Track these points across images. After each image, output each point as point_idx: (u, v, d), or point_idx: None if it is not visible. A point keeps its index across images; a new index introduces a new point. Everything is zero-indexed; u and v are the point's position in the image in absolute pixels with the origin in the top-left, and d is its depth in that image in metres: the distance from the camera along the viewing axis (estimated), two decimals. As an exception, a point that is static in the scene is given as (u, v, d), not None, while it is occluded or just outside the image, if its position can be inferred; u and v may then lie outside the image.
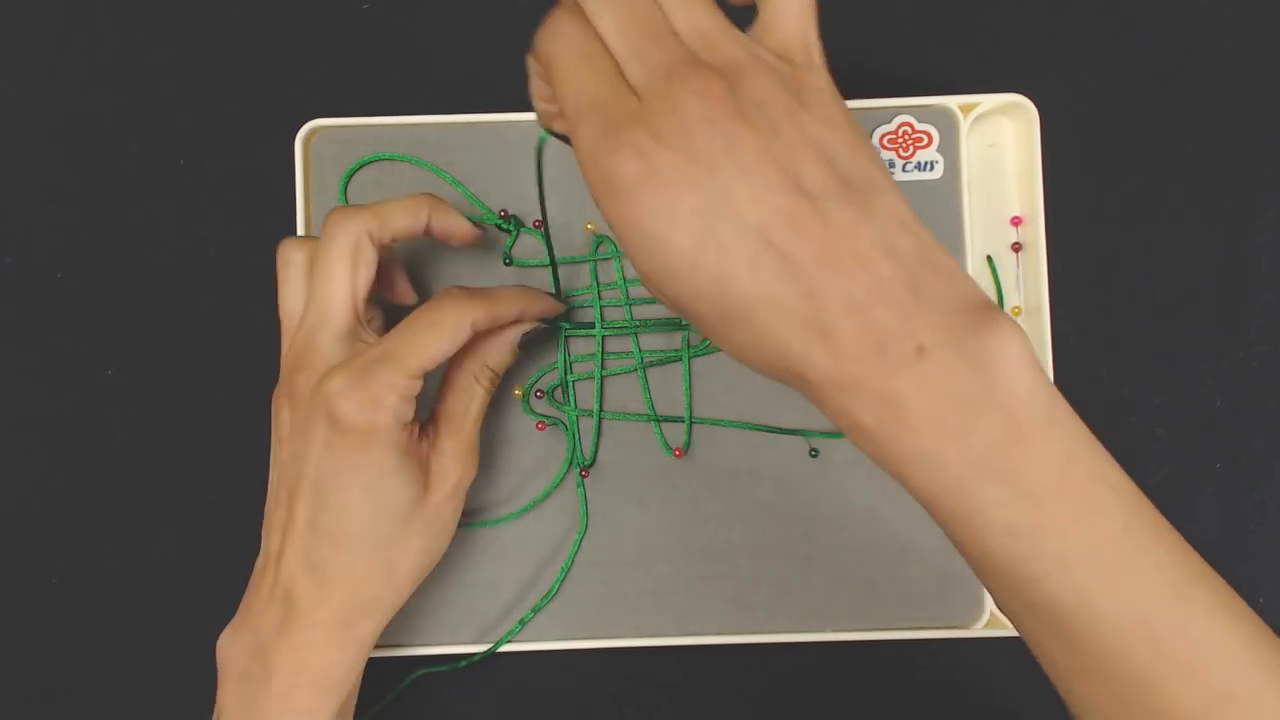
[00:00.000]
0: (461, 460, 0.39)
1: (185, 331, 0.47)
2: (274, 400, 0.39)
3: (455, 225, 0.41)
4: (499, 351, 0.40)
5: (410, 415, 0.37)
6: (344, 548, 0.36)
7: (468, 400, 0.39)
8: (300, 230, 0.44)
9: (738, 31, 0.30)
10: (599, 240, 0.44)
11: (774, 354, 0.28)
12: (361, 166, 0.44)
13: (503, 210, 0.44)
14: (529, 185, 0.45)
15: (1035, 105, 0.44)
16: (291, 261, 0.39)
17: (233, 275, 0.47)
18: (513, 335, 0.40)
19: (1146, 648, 0.28)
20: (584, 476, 0.44)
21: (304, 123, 0.44)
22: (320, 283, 0.38)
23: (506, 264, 0.45)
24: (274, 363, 0.39)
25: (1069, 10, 0.48)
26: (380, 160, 0.44)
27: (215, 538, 0.46)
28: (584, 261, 0.44)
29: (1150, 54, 0.48)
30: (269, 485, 0.39)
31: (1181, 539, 0.29)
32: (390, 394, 0.35)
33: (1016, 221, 0.46)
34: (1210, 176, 0.48)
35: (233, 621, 0.38)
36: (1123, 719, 0.29)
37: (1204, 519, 0.47)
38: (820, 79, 0.30)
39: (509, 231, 0.44)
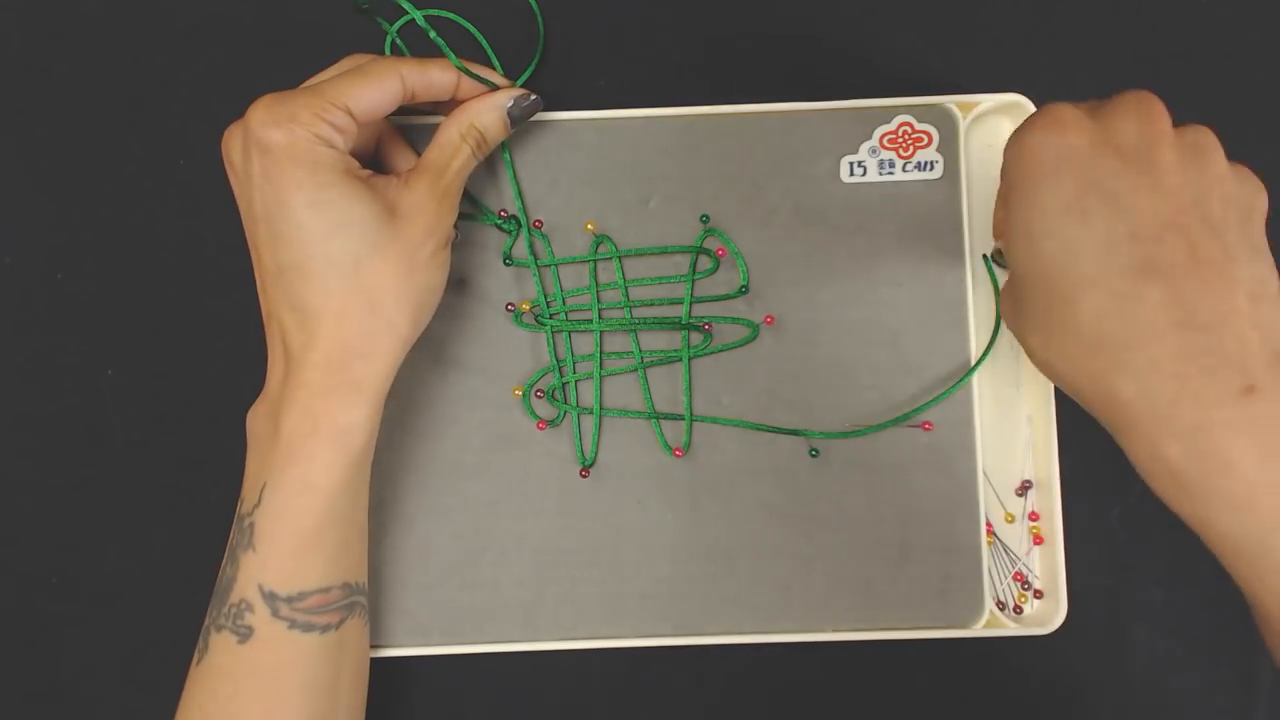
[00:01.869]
0: (435, 201, 0.39)
1: (185, 331, 0.47)
2: (225, 138, 0.38)
3: (443, 77, 0.40)
4: (487, 113, 0.41)
5: (342, 145, 0.37)
6: (311, 274, 0.36)
7: (450, 154, 0.40)
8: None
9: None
10: (599, 240, 0.44)
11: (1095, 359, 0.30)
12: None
13: (502, 210, 0.44)
14: (529, 185, 0.45)
15: (1035, 105, 0.44)
16: None
17: (233, 275, 0.47)
18: (502, 98, 0.41)
19: None
20: (584, 476, 0.44)
21: (304, 123, 0.44)
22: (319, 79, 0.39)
23: (507, 263, 0.45)
24: (274, 363, 0.39)
25: (1069, 10, 0.48)
26: (380, 160, 0.45)
27: (215, 538, 0.46)
28: (584, 262, 0.44)
29: (1150, 54, 0.48)
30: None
31: None
32: (306, 112, 0.36)
33: None
34: (1210, 176, 0.47)
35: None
36: None
37: (1204, 519, 0.47)
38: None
39: (509, 231, 0.44)
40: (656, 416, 0.44)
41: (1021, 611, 0.45)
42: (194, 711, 0.38)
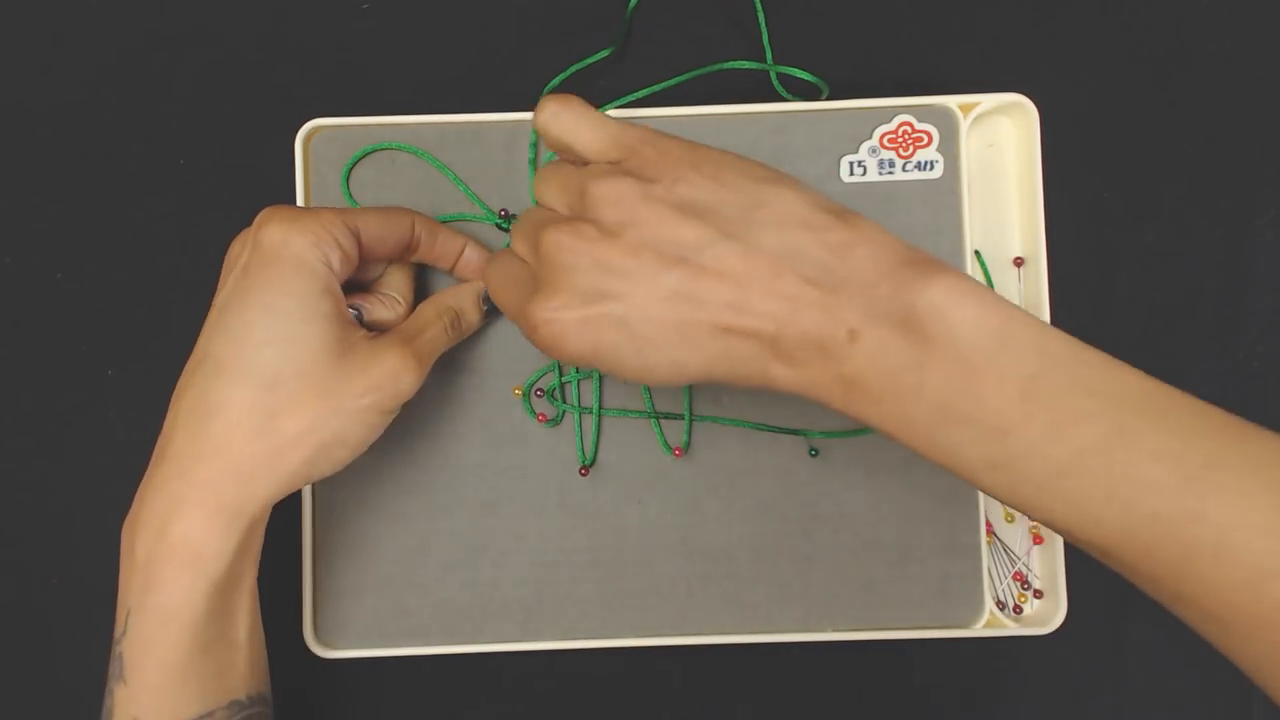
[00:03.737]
0: (394, 358, 0.37)
1: (185, 331, 0.47)
2: (232, 242, 0.38)
3: (450, 243, 0.41)
4: (464, 296, 0.42)
5: (338, 265, 0.36)
6: (225, 371, 0.34)
7: (425, 324, 0.40)
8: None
9: (571, 172, 0.34)
10: (599, 240, 0.44)
11: (745, 383, 0.32)
12: (364, 157, 0.44)
13: (503, 210, 0.44)
14: (529, 185, 0.45)
15: (1035, 105, 0.44)
16: None
17: (233, 275, 0.47)
18: (478, 287, 0.42)
19: (1167, 541, 0.27)
20: (584, 475, 0.44)
21: (304, 123, 0.44)
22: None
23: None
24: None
25: (1069, 10, 0.48)
26: (381, 152, 0.44)
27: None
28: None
29: (1150, 54, 0.48)
30: None
31: (1206, 417, 0.28)
32: (317, 223, 0.36)
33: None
34: (1210, 176, 0.48)
35: None
36: (1180, 609, 0.29)
37: (1204, 519, 0.47)
38: (650, 143, 0.33)
39: (508, 231, 0.44)
40: (656, 416, 0.44)
41: (1021, 611, 0.45)
42: None
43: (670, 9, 0.48)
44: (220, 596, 0.34)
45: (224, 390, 0.34)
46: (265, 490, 0.35)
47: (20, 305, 0.47)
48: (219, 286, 0.37)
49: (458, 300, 0.41)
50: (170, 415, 0.36)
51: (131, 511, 0.35)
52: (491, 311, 0.43)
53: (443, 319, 0.40)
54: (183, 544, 0.34)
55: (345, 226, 0.37)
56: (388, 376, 0.36)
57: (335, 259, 0.36)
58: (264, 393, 0.34)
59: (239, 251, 0.37)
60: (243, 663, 0.36)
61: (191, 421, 0.35)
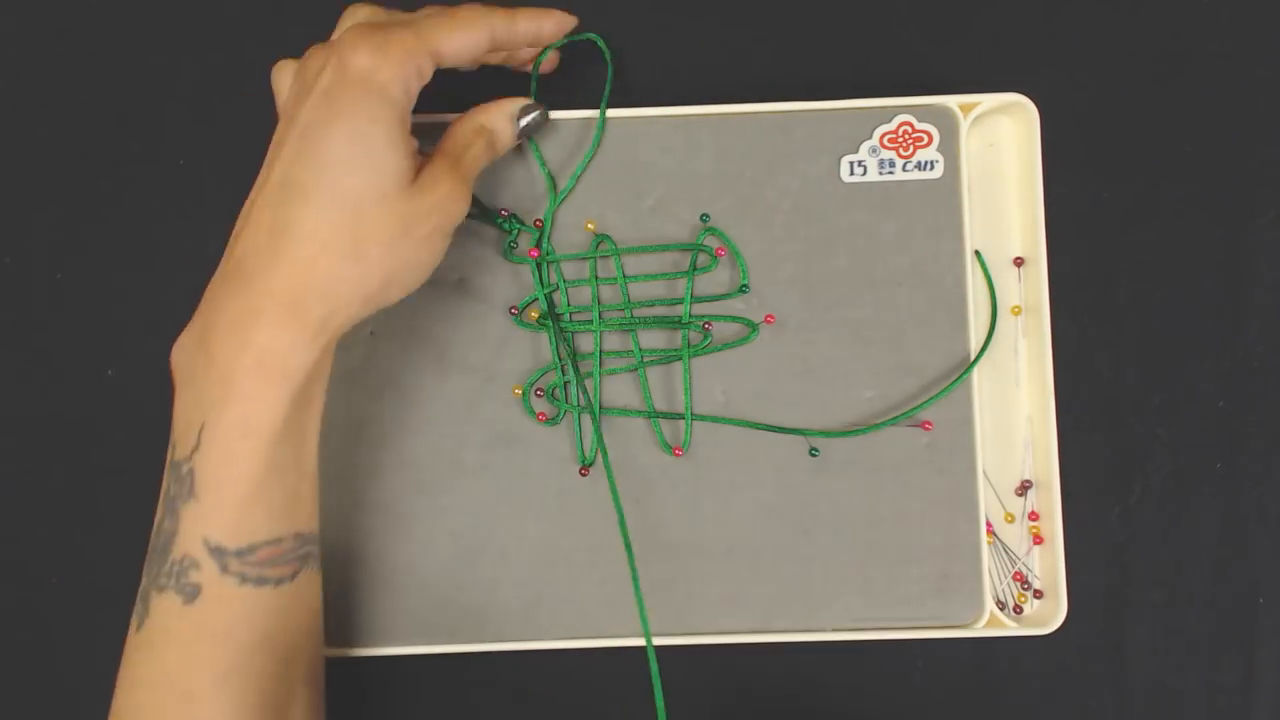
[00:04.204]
0: (449, 182, 0.37)
1: (185, 331, 0.47)
2: (275, 72, 0.38)
3: (528, 27, 0.41)
4: (498, 117, 0.41)
5: (416, 89, 0.37)
6: (313, 197, 0.35)
7: (465, 146, 0.39)
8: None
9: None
10: (599, 239, 0.44)
11: None
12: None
13: (503, 210, 0.44)
14: (529, 185, 0.45)
15: (1035, 105, 0.44)
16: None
17: (233, 275, 0.47)
18: (511, 106, 0.41)
19: None
20: (584, 475, 0.44)
21: (304, 122, 0.44)
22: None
23: (510, 250, 0.45)
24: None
25: (1069, 10, 0.48)
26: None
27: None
28: (584, 259, 0.44)
29: (1150, 54, 0.48)
30: None
31: None
32: (402, 51, 0.35)
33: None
34: (1210, 176, 0.48)
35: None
36: None
37: (1204, 519, 0.47)
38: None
39: (509, 230, 0.44)
40: (656, 416, 0.44)
41: (1021, 611, 0.45)
42: (139, 683, 0.35)
43: (668, 9, 0.48)
44: (300, 415, 0.35)
45: (312, 214, 0.34)
46: (349, 310, 0.35)
47: (20, 305, 0.47)
48: (289, 105, 0.36)
49: (490, 118, 0.41)
50: (246, 235, 0.35)
51: (194, 331, 0.35)
52: (526, 129, 0.42)
53: (481, 137, 0.40)
54: (269, 355, 0.34)
55: (427, 53, 0.37)
56: (448, 200, 0.37)
57: (415, 88, 0.37)
58: (351, 217, 0.35)
59: (318, 68, 0.36)
60: (309, 494, 0.37)
61: (274, 242, 0.35)
